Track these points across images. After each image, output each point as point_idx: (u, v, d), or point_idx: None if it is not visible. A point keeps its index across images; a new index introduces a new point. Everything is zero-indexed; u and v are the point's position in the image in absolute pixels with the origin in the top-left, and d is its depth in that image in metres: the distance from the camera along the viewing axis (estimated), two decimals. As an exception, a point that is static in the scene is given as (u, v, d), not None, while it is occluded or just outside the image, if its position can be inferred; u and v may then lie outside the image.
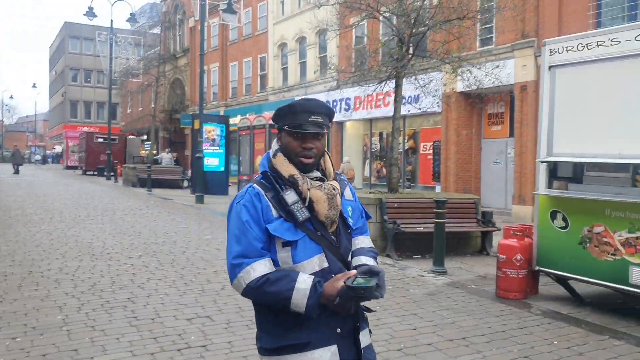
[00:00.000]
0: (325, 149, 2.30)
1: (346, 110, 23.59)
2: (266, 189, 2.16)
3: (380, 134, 23.37)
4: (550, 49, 6.67)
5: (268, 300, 2.08)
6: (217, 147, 22.98)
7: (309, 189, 2.13)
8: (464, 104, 18.60)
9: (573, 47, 6.42)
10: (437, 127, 19.80)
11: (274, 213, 2.11)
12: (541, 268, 6.78)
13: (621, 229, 5.91)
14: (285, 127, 2.18)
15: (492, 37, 17.69)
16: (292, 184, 2.14)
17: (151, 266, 8.32)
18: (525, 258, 6.76)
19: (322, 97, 25.19)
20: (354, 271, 2.09)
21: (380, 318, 5.89)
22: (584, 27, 14.90)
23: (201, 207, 17.94)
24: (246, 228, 2.09)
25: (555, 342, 5.27)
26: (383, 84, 11.14)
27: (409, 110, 19.43)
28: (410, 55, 10.30)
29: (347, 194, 2.34)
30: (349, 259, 2.26)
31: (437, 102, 16.46)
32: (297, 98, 30.01)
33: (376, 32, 18.23)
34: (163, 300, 6.47)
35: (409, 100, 18.91)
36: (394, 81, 10.95)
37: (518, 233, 6.86)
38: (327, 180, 2.24)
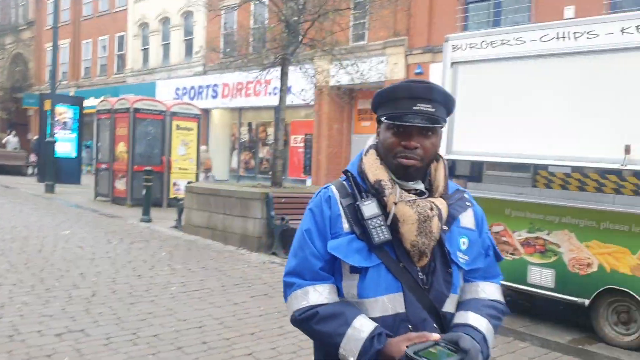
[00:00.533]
0: (439, 153, 1.72)
1: (213, 97, 22.65)
2: (344, 194, 1.68)
3: (250, 124, 22.75)
4: (453, 45, 6.55)
5: (315, 339, 1.69)
6: (70, 131, 20.95)
7: (395, 203, 1.60)
8: (336, 98, 18.58)
9: (477, 44, 6.34)
10: (308, 120, 19.62)
11: (345, 226, 1.63)
12: (437, 267, 6.67)
13: (521, 229, 5.94)
14: (384, 118, 1.67)
15: (364, 33, 17.80)
16: (377, 192, 1.63)
17: (0, 268, 7.07)
18: (423, 257, 6.62)
19: (186, 83, 24.04)
20: (437, 336, 1.51)
21: (282, 326, 5.39)
22: (452, 29, 15.45)
23: (52, 197, 16.15)
24: (305, 240, 1.66)
25: (464, 346, 5.11)
26: (266, 71, 10.59)
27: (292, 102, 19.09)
28: (298, 43, 9.85)
29: (466, 220, 1.75)
30: (447, 309, 1.66)
31: (312, 95, 16.22)
32: (159, 82, 28.33)
33: (253, 16, 17.55)
34: (22, 311, 5.43)
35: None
36: (271, 69, 10.49)
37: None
38: (430, 196, 1.67)
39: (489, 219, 6.33)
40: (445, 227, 1.66)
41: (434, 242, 1.62)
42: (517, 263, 5.94)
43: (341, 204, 1.66)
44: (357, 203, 1.62)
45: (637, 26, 5.18)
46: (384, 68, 16.03)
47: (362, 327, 1.53)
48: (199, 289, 6.63)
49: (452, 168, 6.66)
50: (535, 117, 5.81)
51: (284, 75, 9.89)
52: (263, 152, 22.03)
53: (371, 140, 1.79)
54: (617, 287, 5.26)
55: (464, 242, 1.70)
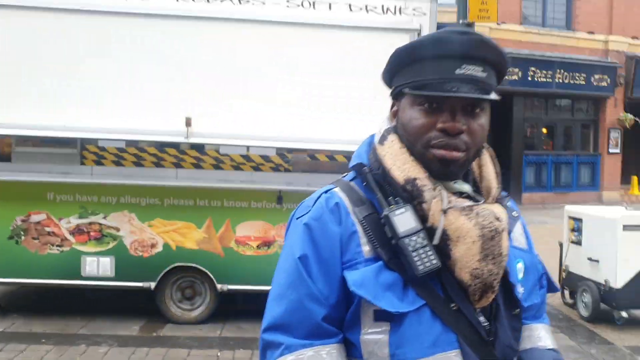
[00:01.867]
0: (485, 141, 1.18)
1: None
2: (356, 201, 1.12)
3: None
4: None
5: None
6: None
7: (443, 211, 1.06)
8: None
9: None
10: None
11: (366, 249, 1.08)
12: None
13: (69, 215, 5.04)
14: (407, 88, 1.10)
15: None
16: (410, 195, 1.08)
17: None
18: None
19: None
20: None
21: None
22: None
23: None
24: (299, 274, 1.08)
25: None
26: None
27: None
28: None
29: (517, 235, 1.23)
30: None
31: None
32: None
33: None
34: None
35: None
36: None
37: None
38: (484, 202, 1.13)
39: (26, 206, 5.42)
40: None
41: (502, 271, 1.11)
42: (68, 256, 5.07)
43: (354, 214, 1.10)
44: (386, 212, 1.06)
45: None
46: None
47: None
48: None
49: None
50: (79, 81, 4.95)
51: None
52: None
53: (385, 122, 1.20)
54: (184, 264, 5.14)
55: (520, 268, 1.22)
